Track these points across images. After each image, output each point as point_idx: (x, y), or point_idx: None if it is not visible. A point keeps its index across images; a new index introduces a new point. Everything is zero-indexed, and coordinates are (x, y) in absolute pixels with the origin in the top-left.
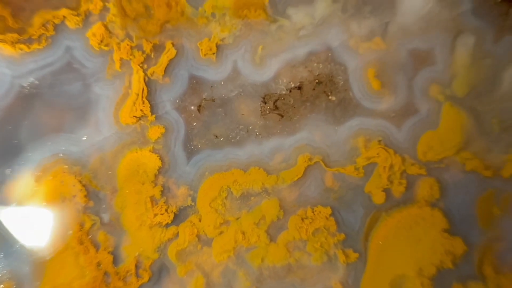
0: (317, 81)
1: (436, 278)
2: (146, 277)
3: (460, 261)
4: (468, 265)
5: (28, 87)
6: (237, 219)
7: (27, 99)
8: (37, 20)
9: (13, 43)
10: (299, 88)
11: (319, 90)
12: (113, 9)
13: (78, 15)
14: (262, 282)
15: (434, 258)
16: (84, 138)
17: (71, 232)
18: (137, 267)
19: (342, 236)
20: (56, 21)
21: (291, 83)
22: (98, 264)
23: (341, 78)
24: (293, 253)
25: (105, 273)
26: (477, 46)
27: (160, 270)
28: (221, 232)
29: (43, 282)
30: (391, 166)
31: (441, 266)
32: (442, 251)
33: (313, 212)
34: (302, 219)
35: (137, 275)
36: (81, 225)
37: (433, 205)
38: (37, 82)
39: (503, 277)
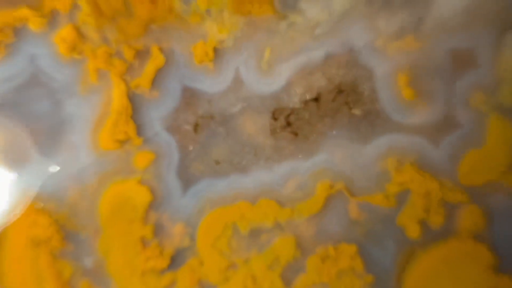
0: (337, 90)
1: None
2: None
3: None
4: None
5: None
6: (246, 261)
7: None
8: None
9: None
10: (316, 99)
11: (340, 102)
12: (85, 7)
13: (42, 15)
14: None
15: None
16: (58, 168)
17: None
18: None
19: (370, 277)
20: (16, 24)
21: (306, 94)
22: None
23: (366, 86)
24: None
25: None
26: None
27: None
28: (227, 278)
29: None
30: (427, 193)
31: None
32: None
33: (335, 250)
34: (323, 260)
35: None
36: (59, 274)
37: (477, 237)
38: None
39: None
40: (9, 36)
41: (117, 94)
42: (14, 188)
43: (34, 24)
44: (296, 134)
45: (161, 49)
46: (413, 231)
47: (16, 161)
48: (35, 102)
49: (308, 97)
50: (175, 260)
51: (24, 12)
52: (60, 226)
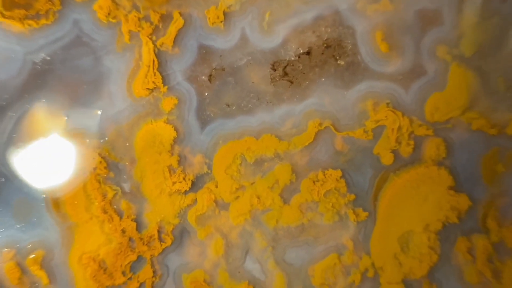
0: (325, 45)
1: (442, 232)
2: (168, 241)
3: (465, 216)
4: (472, 220)
5: (40, 63)
6: (252, 184)
7: (40, 76)
8: None
9: (21, 19)
10: (308, 53)
11: (327, 55)
12: None
13: None
14: (277, 241)
15: (440, 214)
16: (99, 112)
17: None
18: (159, 232)
19: (352, 196)
20: None
21: (300, 48)
22: (123, 231)
23: (349, 42)
24: (306, 214)
25: (130, 239)
26: (485, 5)
27: (181, 234)
28: (237, 197)
29: (72, 249)
30: (399, 128)
31: (446, 221)
32: (448, 207)
33: (324, 175)
34: (314, 182)
35: (160, 240)
36: (104, 195)
37: (440, 164)
38: (48, 58)
39: (506, 230)
40: (57, 4)
41: (146, 51)
42: (67, 129)
43: None
44: (291, 82)
45: (181, 14)
46: (387, 159)
47: (64, 107)
48: (79, 59)
49: (301, 51)
50: (196, 184)
51: None
52: (102, 157)
